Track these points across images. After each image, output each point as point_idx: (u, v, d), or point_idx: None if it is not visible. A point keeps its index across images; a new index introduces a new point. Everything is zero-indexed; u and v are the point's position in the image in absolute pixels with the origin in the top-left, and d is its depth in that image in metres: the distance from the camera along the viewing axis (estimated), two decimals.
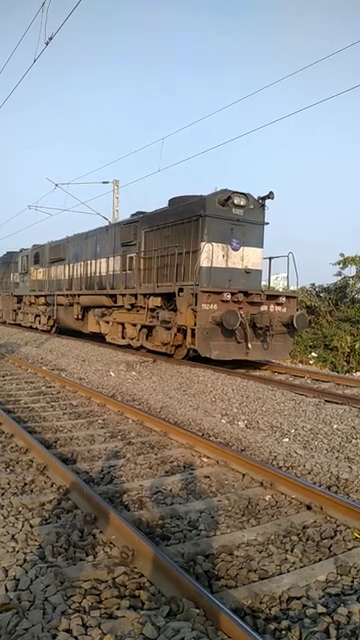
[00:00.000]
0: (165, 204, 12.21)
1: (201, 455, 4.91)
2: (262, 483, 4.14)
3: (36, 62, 9.20)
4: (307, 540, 3.25)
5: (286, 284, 12.18)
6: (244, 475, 4.37)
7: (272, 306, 10.43)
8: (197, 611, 2.36)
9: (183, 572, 2.61)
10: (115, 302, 13.33)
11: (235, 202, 10.46)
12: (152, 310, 11.48)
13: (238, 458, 4.63)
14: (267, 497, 3.95)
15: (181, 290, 10.03)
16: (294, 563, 2.95)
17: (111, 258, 13.78)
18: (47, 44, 8.39)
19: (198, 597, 2.41)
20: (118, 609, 2.44)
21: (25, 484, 4.06)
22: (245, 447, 5.31)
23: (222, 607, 2.32)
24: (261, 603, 2.54)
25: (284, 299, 10.60)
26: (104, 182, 21.45)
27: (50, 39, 8.28)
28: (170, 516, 3.54)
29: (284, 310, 10.56)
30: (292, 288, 12.42)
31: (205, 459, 4.82)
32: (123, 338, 13.22)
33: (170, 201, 12.03)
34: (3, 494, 3.81)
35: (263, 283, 11.75)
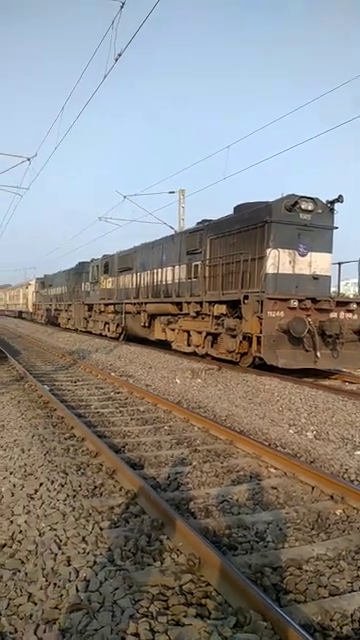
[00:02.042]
0: (230, 211, 12.20)
1: (268, 465, 4.83)
2: (332, 497, 4.00)
3: (106, 78, 9.51)
4: None
5: (357, 290, 11.74)
6: (313, 488, 4.24)
7: (342, 313, 10.09)
8: (265, 624, 2.32)
9: (251, 583, 2.58)
10: (181, 310, 13.46)
11: (302, 207, 10.26)
12: (217, 318, 11.47)
13: (307, 470, 4.50)
14: (338, 511, 3.82)
15: (246, 297, 9.95)
16: None
17: (177, 266, 13.95)
18: (116, 60, 8.65)
19: (266, 610, 2.37)
20: (185, 616, 2.45)
21: (95, 487, 4.18)
22: (314, 459, 5.16)
23: (291, 622, 2.26)
24: (332, 620, 2.46)
25: (355, 306, 10.23)
26: (170, 192, 21.83)
27: (119, 55, 8.53)
28: (237, 526, 3.51)
29: (355, 317, 10.19)
30: None
31: (272, 470, 4.74)
32: (188, 345, 13.30)
33: (235, 208, 12.02)
34: (75, 496, 3.94)
35: (332, 289, 11.41)
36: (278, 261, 10.06)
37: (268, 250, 10.08)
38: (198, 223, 13.90)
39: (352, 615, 2.49)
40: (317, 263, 10.56)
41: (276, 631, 2.29)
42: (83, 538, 3.24)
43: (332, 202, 10.58)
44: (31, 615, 2.48)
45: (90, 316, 23.41)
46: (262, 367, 10.41)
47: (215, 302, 11.49)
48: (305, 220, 10.33)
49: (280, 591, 2.73)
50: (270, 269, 10.04)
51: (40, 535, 3.28)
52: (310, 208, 10.35)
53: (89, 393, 8.79)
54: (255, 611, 2.40)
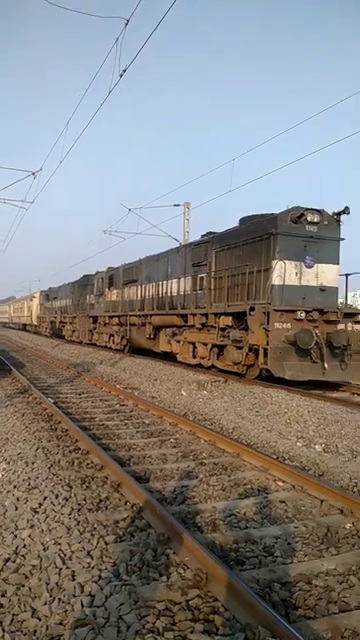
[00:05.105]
0: (236, 224, 12.23)
1: (276, 479, 4.76)
2: (342, 510, 3.93)
3: (111, 94, 9.61)
4: None
5: None
6: (322, 501, 4.17)
7: (350, 324, 10.03)
8: None
9: (259, 599, 2.52)
10: (186, 322, 13.44)
11: (308, 219, 10.27)
12: (223, 329, 11.44)
13: (316, 483, 4.43)
14: (348, 525, 3.74)
15: (252, 309, 9.93)
16: None
17: (182, 278, 13.97)
18: (121, 76, 8.75)
19: (275, 626, 2.31)
20: (192, 632, 2.39)
21: (100, 500, 4.13)
22: (323, 472, 5.08)
23: (300, 638, 2.20)
24: (342, 637, 2.39)
25: None
26: (175, 205, 21.91)
27: (124, 71, 8.63)
28: (244, 540, 3.44)
29: None
30: None
31: (280, 483, 4.66)
32: (194, 357, 13.25)
33: (241, 220, 12.05)
34: (79, 510, 3.89)
35: (340, 300, 11.36)
36: (284, 273, 10.05)
37: (274, 262, 10.08)
38: (203, 235, 13.95)
39: None
40: (324, 274, 10.53)
41: None
42: (88, 552, 3.18)
43: (338, 214, 10.59)
44: (35, 631, 2.43)
45: (95, 328, 23.43)
46: (269, 379, 10.34)
47: (221, 314, 11.47)
48: (311, 232, 10.34)
49: (289, 607, 2.66)
50: (276, 281, 10.03)
51: (44, 549, 3.23)
52: (316, 220, 10.36)
53: (94, 405, 8.75)
54: (264, 627, 2.33)
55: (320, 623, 2.49)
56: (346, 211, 10.47)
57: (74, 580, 2.84)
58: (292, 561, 3.18)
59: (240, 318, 10.76)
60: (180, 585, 2.79)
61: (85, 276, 26.31)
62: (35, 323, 41.05)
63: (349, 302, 11.71)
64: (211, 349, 12.30)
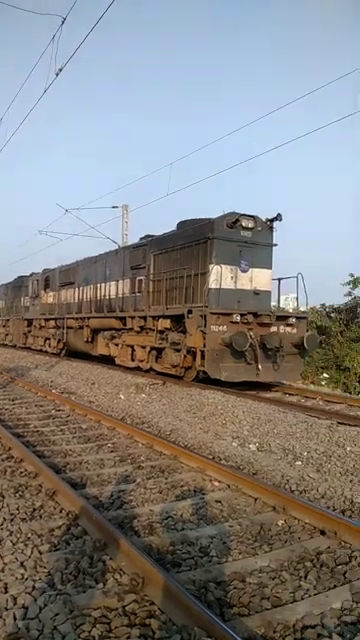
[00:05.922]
0: (174, 227, 12.34)
1: (212, 479, 4.84)
2: (274, 508, 4.06)
3: (46, 92, 9.43)
4: (321, 566, 3.16)
5: (296, 305, 12.16)
6: (256, 499, 4.29)
7: (282, 327, 10.40)
8: None
9: (194, 600, 2.55)
10: (124, 325, 13.38)
11: (243, 224, 10.55)
12: (161, 332, 11.50)
13: (250, 482, 4.55)
14: (280, 522, 3.87)
15: (190, 312, 10.05)
16: (308, 590, 2.88)
17: (120, 281, 13.89)
18: (57, 75, 8.61)
19: (210, 626, 2.35)
20: (129, 638, 2.38)
21: (34, 509, 4.02)
22: (257, 470, 5.23)
23: (235, 636, 2.25)
24: (275, 632, 2.47)
25: (294, 320, 10.58)
26: (113, 207, 21.77)
27: (60, 70, 8.50)
28: (181, 542, 3.48)
29: (294, 331, 10.53)
30: (302, 309, 12.41)
31: (216, 483, 4.75)
32: (132, 360, 13.22)
33: (179, 224, 12.16)
34: (12, 519, 3.77)
35: (272, 304, 11.76)
36: (220, 277, 10.26)
37: (211, 266, 10.27)
38: (141, 238, 13.96)
39: (294, 625, 2.52)
40: (258, 279, 10.86)
41: None
42: (21, 563, 3.09)
43: (271, 220, 10.96)
44: None
45: (30, 331, 22.78)
46: (206, 381, 10.50)
47: (159, 317, 11.52)
48: (246, 237, 10.63)
49: (224, 605, 2.72)
50: (213, 284, 10.21)
51: None
52: (250, 225, 10.66)
53: (28, 411, 8.49)
54: (199, 628, 2.37)
55: (254, 620, 2.56)
56: (278, 218, 10.85)
57: (6, 593, 2.76)
58: (227, 560, 3.25)
59: (178, 321, 10.86)
60: (116, 591, 2.77)
61: (19, 277, 25.53)
62: None
63: (281, 305, 12.13)
64: (149, 352, 12.31)
